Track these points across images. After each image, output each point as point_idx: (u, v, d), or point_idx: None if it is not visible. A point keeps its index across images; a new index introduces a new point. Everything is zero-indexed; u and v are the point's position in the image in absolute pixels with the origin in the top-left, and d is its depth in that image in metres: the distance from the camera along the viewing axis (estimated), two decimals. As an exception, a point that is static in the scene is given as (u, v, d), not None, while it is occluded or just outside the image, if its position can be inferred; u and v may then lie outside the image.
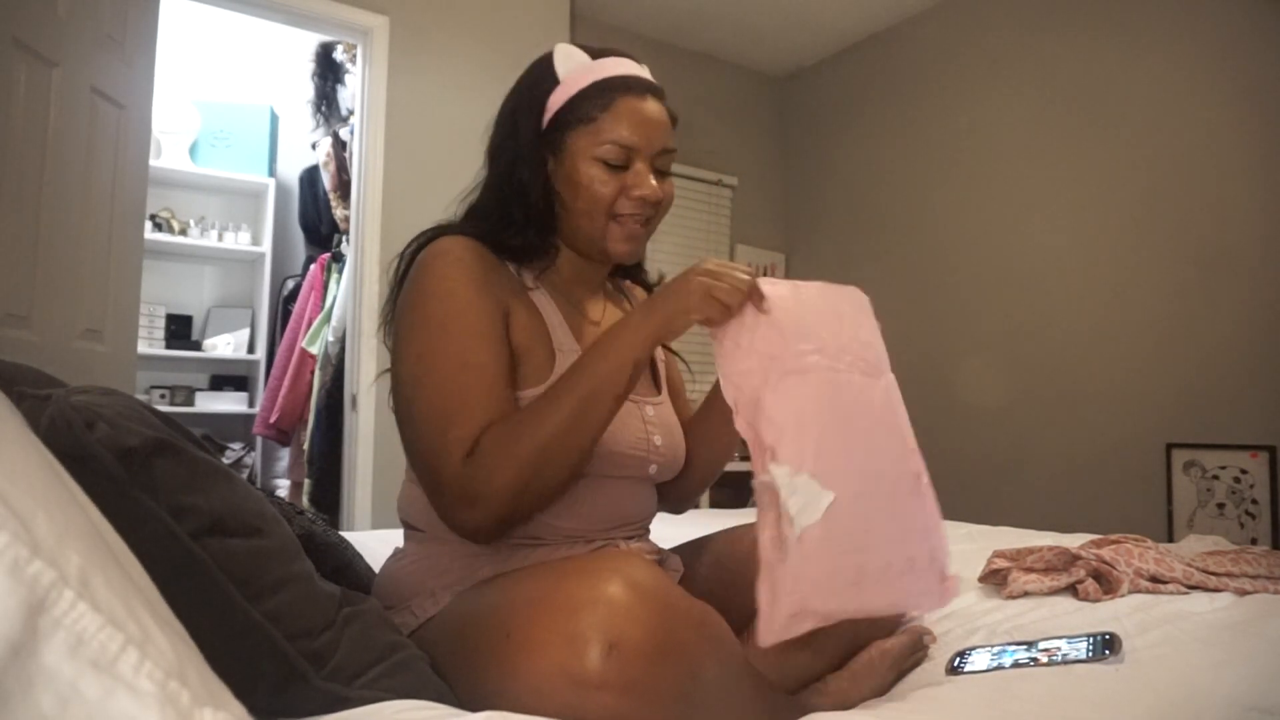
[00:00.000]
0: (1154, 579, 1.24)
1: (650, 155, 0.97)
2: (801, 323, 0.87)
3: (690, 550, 1.13)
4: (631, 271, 1.17)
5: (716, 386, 1.08)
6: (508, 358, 0.91)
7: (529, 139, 0.98)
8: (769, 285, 0.87)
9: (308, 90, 3.34)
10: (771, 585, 0.76)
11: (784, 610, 0.75)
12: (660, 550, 1.06)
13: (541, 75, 1.00)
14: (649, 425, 1.01)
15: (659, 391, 1.11)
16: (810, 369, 0.85)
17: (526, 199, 0.98)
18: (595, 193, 0.95)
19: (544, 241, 1.00)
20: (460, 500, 0.84)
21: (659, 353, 1.19)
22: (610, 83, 0.96)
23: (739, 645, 0.82)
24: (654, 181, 0.97)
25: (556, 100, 0.97)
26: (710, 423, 1.10)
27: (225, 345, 3.77)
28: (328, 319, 3.13)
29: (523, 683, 0.69)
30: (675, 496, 1.15)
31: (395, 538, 1.13)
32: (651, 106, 0.97)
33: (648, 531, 1.08)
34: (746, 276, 0.85)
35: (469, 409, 0.85)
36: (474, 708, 0.69)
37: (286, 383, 3.28)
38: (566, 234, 1.01)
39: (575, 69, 0.97)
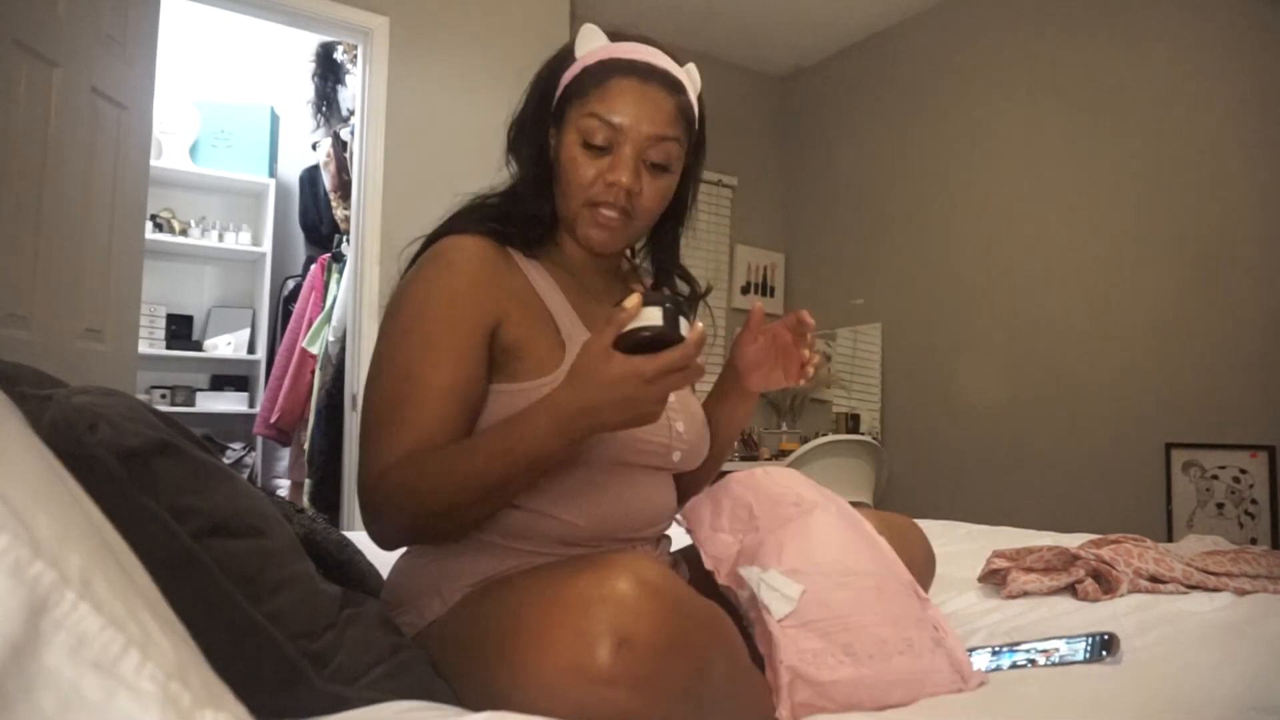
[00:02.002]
0: (1153, 579, 1.24)
1: (639, 141, 0.92)
2: (771, 495, 0.98)
3: (697, 551, 1.12)
4: (664, 271, 1.12)
5: (726, 368, 1.10)
6: (467, 374, 0.88)
7: (534, 113, 1.00)
8: (735, 483, 1.00)
9: (308, 90, 3.34)
10: (772, 671, 0.82)
11: (784, 679, 0.80)
12: (674, 555, 1.05)
13: (562, 54, 1.00)
14: (669, 411, 0.98)
15: None
16: (784, 525, 0.94)
17: (525, 171, 0.99)
18: (574, 174, 0.94)
19: (540, 216, 0.98)
20: (365, 510, 0.87)
21: None
22: (614, 63, 0.95)
23: (745, 644, 0.82)
24: (635, 171, 0.92)
25: (567, 77, 0.97)
26: (726, 402, 1.12)
27: (226, 345, 3.77)
28: (328, 319, 3.13)
29: (533, 679, 0.69)
30: (680, 489, 1.11)
31: (395, 538, 1.13)
32: (651, 91, 0.93)
33: (669, 540, 1.06)
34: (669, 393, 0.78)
35: (396, 424, 0.85)
36: (481, 706, 0.69)
37: (287, 383, 3.28)
38: (560, 214, 1.00)
39: (592, 48, 0.97)
